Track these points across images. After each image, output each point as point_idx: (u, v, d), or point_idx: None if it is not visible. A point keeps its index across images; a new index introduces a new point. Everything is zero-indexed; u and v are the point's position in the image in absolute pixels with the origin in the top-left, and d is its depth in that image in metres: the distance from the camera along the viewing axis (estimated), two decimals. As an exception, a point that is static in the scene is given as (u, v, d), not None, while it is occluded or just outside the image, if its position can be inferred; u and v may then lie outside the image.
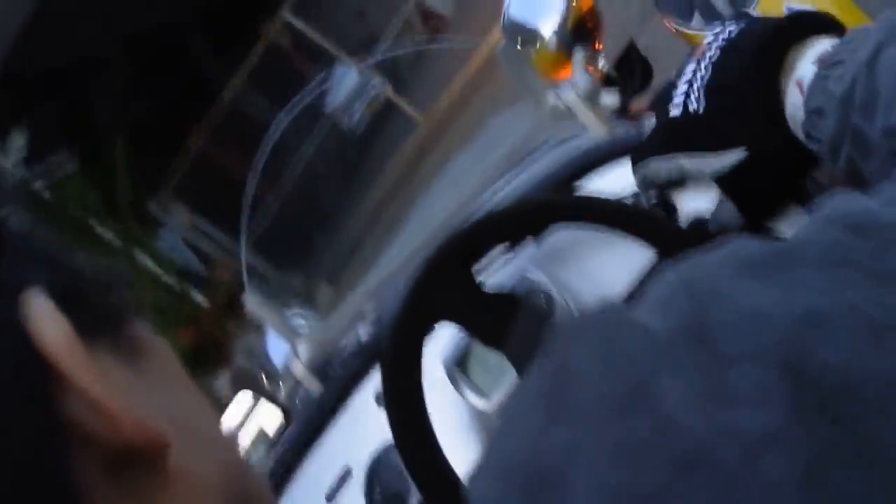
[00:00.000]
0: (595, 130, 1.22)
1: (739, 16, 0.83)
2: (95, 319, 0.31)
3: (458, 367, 1.19)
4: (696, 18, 1.66)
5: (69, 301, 0.30)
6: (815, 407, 0.30)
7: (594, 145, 1.16)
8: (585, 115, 1.24)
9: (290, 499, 1.41)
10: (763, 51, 0.72)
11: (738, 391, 0.30)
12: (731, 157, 0.74)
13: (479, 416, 1.19)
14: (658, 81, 1.66)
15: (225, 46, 9.11)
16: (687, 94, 0.77)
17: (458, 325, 1.01)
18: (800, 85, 0.69)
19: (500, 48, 1.34)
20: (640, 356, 0.33)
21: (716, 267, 0.36)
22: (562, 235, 1.10)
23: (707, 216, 0.84)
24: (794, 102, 0.69)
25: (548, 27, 1.29)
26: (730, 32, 0.77)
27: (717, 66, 0.75)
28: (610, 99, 1.30)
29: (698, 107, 0.75)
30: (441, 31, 8.71)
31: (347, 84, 6.64)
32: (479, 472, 0.35)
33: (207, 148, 9.02)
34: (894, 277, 0.33)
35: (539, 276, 1.12)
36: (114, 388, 0.29)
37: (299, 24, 8.62)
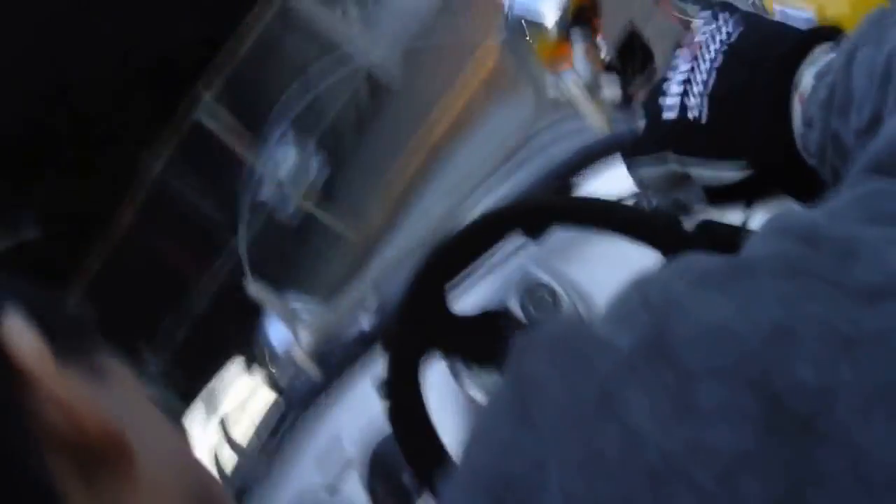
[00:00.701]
0: (595, 121, 1.22)
1: (727, 7, 0.79)
2: (62, 339, 0.34)
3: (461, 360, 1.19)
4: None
5: (38, 322, 0.33)
6: (790, 425, 0.29)
7: (593, 142, 1.16)
8: (586, 106, 1.24)
9: (289, 484, 1.42)
10: (780, 69, 0.68)
11: (706, 409, 0.30)
12: (731, 172, 0.70)
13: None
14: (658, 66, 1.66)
15: (146, 129, 7.53)
16: (684, 95, 0.73)
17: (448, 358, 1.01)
18: (801, 98, 0.67)
19: (503, 39, 1.34)
20: (604, 371, 0.33)
21: (673, 279, 0.35)
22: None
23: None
24: (797, 116, 0.67)
25: (550, 16, 1.29)
26: (728, 34, 0.73)
27: (723, 74, 0.71)
28: (610, 88, 1.30)
29: (700, 114, 0.71)
30: (385, 104, 7.78)
31: (283, 166, 5.68)
32: (451, 483, 0.35)
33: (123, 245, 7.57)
34: (860, 293, 0.32)
35: (542, 274, 1.12)
36: (80, 394, 0.32)
37: (220, 108, 7.36)
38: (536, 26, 1.30)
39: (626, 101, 1.25)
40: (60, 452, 0.31)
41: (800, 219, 0.37)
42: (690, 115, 0.71)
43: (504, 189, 1.26)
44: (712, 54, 0.72)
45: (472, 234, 0.93)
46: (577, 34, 1.32)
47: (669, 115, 0.73)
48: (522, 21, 1.33)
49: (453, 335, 0.97)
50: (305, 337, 1.39)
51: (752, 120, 0.70)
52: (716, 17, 0.75)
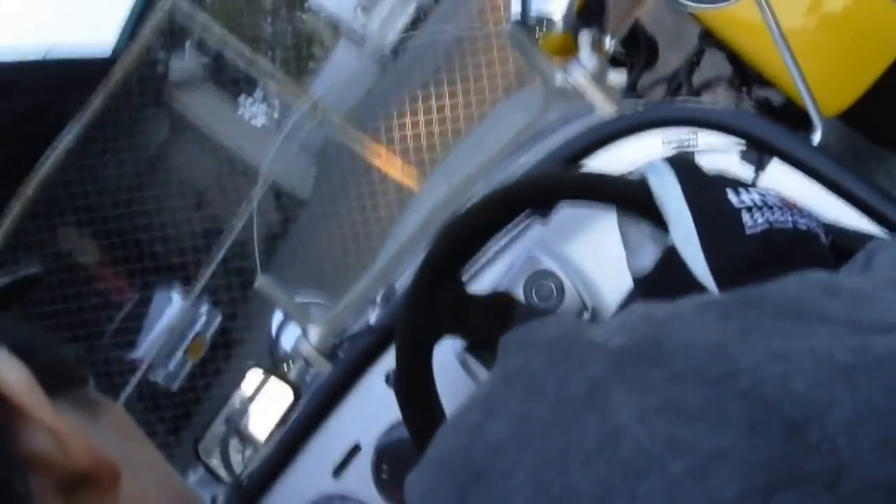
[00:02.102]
0: (603, 109, 1.22)
1: (825, 229, 0.89)
2: (50, 373, 0.36)
3: (469, 351, 1.19)
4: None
5: (26, 357, 0.34)
6: (778, 427, 0.30)
7: (600, 122, 1.16)
8: (594, 95, 1.24)
9: (298, 476, 1.42)
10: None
11: (690, 408, 0.31)
12: (706, 276, 0.78)
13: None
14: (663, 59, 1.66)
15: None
16: (756, 206, 0.82)
17: (459, 338, 1.01)
18: None
19: (509, 31, 1.35)
20: (593, 368, 0.34)
21: (680, 303, 0.37)
22: (570, 215, 1.10)
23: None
24: None
25: (557, 10, 1.30)
26: (816, 230, 0.85)
27: (789, 235, 0.81)
28: (617, 78, 1.30)
29: (752, 226, 0.81)
30: (296, 213, 7.27)
31: (165, 317, 4.64)
32: (417, 466, 0.36)
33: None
34: (872, 326, 0.34)
35: (548, 261, 1.11)
36: (68, 421, 0.33)
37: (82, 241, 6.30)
38: (545, 21, 1.31)
39: (632, 89, 1.26)
40: (45, 475, 0.32)
41: (830, 275, 0.40)
42: (744, 217, 0.81)
43: (506, 174, 1.26)
44: (805, 220, 0.85)
45: (482, 212, 0.93)
46: (583, 27, 1.32)
47: (737, 196, 0.83)
48: (533, 15, 1.33)
49: (465, 317, 0.97)
50: (314, 333, 1.39)
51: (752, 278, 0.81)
52: (815, 222, 0.88)
